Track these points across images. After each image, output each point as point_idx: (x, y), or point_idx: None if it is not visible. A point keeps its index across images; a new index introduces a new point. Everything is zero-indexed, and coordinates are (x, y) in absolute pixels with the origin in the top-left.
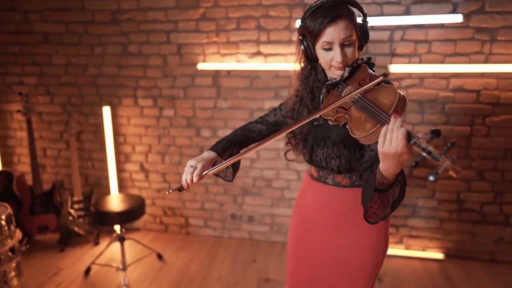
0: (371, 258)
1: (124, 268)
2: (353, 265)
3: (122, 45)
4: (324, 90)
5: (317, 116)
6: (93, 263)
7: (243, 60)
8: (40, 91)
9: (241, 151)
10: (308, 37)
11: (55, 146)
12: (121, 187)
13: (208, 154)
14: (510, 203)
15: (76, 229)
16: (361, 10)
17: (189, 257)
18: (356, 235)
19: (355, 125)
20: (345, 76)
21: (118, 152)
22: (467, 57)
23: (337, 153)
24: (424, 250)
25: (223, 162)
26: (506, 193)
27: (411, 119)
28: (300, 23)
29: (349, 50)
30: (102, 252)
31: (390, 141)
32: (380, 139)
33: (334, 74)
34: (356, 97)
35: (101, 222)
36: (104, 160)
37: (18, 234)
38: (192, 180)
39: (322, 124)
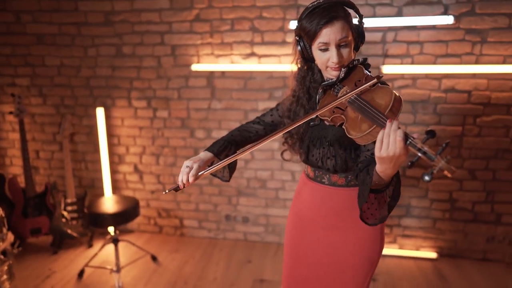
0: (367, 257)
1: (118, 270)
2: (349, 264)
3: (116, 46)
4: (320, 90)
5: (314, 116)
6: (86, 265)
7: (237, 61)
8: (32, 93)
9: (237, 152)
10: (305, 37)
11: (48, 147)
12: (115, 188)
13: (205, 155)
14: (502, 202)
15: (69, 231)
16: (357, 11)
17: (183, 259)
18: (352, 234)
19: (351, 125)
20: (341, 77)
21: (112, 154)
22: (459, 58)
23: (333, 153)
24: (417, 249)
25: (219, 163)
26: (497, 192)
27: (403, 120)
28: (297, 24)
29: (345, 51)
30: (95, 254)
31: (387, 145)
32: (377, 145)
33: (330, 74)
34: (352, 97)
35: (94, 224)
36: (97, 162)
37: (10, 236)
38: (188, 180)
39: (318, 124)
